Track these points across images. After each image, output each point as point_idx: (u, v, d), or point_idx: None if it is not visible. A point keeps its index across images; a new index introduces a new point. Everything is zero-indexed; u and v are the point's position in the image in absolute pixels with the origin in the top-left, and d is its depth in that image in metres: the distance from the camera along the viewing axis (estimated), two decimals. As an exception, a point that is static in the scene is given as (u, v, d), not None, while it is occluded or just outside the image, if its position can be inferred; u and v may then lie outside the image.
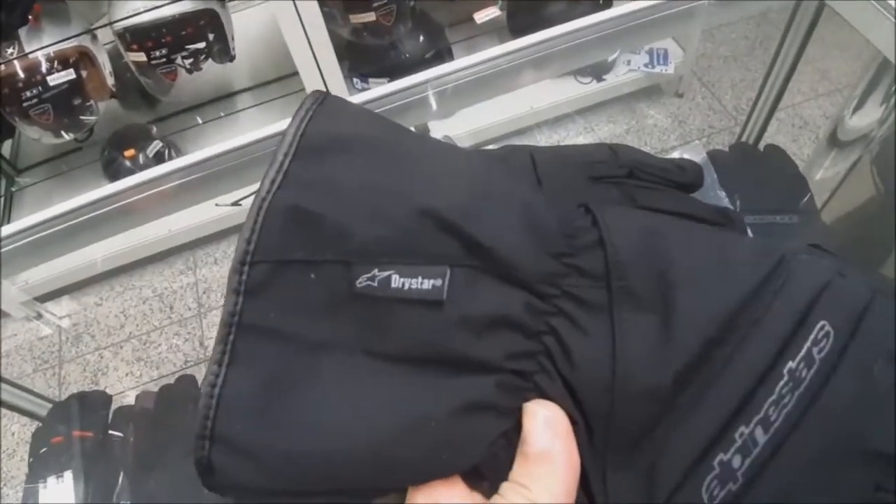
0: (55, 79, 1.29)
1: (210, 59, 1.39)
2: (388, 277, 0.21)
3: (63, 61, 1.29)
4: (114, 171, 1.50)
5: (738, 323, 0.22)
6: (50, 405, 0.80)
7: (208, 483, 0.21)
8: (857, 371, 0.22)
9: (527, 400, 0.23)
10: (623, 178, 0.38)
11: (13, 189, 1.61)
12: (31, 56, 1.27)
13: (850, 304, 0.23)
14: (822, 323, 0.22)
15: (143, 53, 1.32)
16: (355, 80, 1.55)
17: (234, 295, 0.21)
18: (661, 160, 0.39)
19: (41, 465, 0.68)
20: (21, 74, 1.26)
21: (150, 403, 0.73)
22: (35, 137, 1.38)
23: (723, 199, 0.71)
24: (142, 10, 1.26)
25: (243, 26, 1.47)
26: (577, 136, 1.64)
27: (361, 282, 0.21)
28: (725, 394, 0.22)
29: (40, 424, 0.76)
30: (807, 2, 0.75)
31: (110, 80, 1.39)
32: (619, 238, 0.23)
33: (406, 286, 0.21)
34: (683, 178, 0.38)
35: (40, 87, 1.28)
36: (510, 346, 0.22)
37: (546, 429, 0.22)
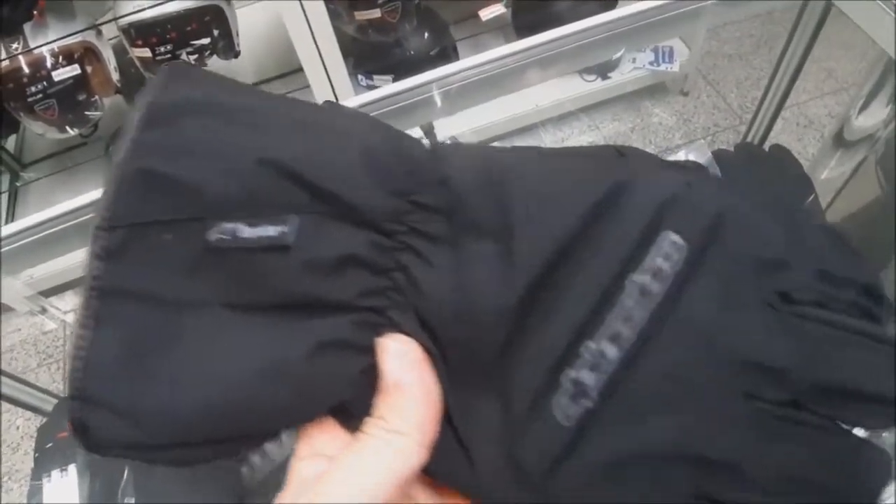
0: (60, 74, 1.29)
1: (214, 56, 1.39)
2: (237, 229, 0.22)
3: (68, 57, 1.29)
4: (118, 166, 1.50)
5: (580, 243, 0.22)
6: (54, 400, 0.81)
7: (85, 443, 0.22)
8: (718, 282, 0.22)
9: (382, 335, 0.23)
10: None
11: (18, 184, 1.61)
12: (35, 51, 1.27)
13: (700, 214, 0.23)
14: (667, 234, 0.22)
15: (147, 49, 1.32)
16: (360, 76, 1.55)
17: (94, 260, 0.22)
18: (666, 162, 0.39)
19: (47, 460, 0.68)
20: (26, 70, 1.26)
21: (154, 400, 0.73)
22: (40, 133, 1.38)
23: (727, 199, 0.71)
24: (146, 5, 1.26)
25: (248, 22, 1.47)
26: (581, 133, 1.63)
27: (213, 236, 0.22)
28: (569, 311, 0.22)
29: (45, 419, 0.76)
30: (814, 1, 0.74)
31: (115, 76, 1.39)
32: (459, 171, 0.23)
33: (255, 236, 0.22)
34: (688, 180, 0.38)
35: (45, 83, 1.28)
36: (361, 285, 0.23)
37: (397, 360, 0.22)
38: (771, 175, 0.82)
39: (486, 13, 1.50)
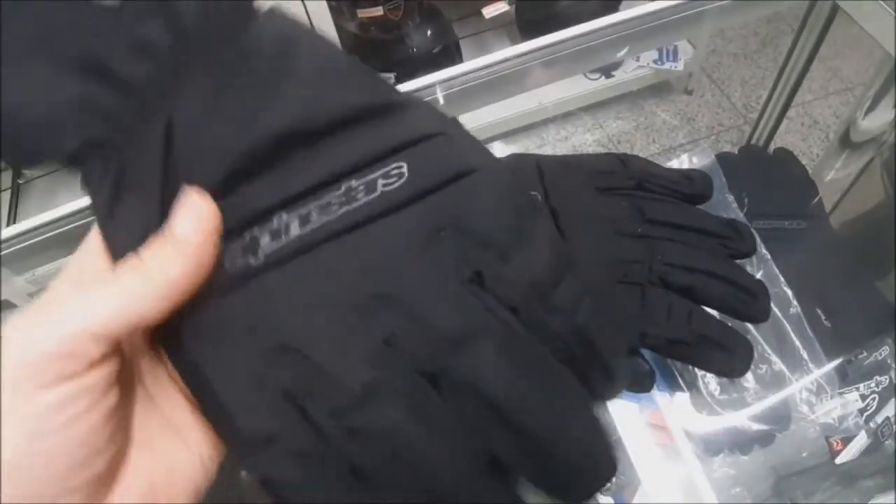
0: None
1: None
2: None
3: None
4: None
5: (330, 132, 0.23)
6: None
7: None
8: (419, 228, 0.22)
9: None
10: (631, 189, 0.38)
11: (20, 181, 1.61)
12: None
13: (443, 162, 0.23)
14: (400, 163, 0.23)
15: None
16: (362, 74, 1.54)
17: None
18: (670, 171, 0.39)
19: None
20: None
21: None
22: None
23: (731, 202, 0.71)
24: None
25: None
26: (585, 132, 1.63)
27: None
28: (284, 180, 0.22)
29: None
30: (821, 2, 0.74)
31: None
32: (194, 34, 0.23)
33: None
34: (692, 189, 0.38)
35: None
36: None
37: (193, 219, 0.22)
38: (775, 178, 0.82)
39: (490, 10, 1.50)
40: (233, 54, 0.23)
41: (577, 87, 1.60)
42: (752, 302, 0.34)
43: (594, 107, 1.66)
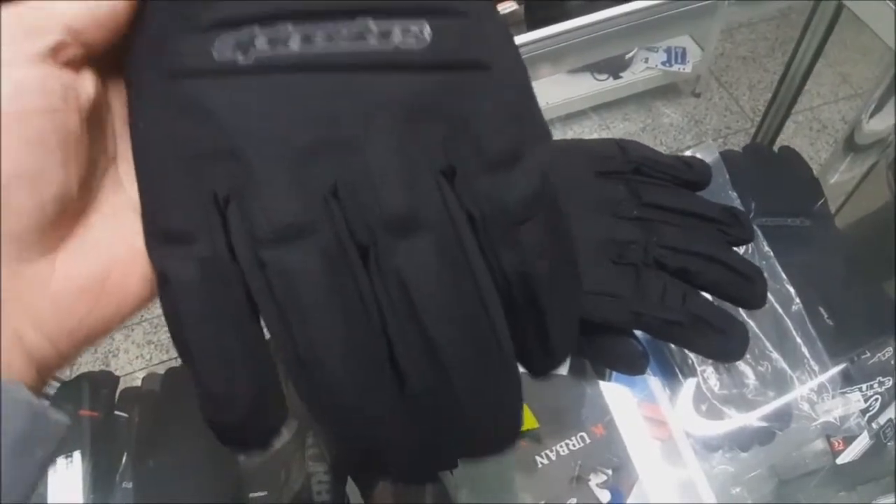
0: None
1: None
2: None
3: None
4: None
5: None
6: (58, 384, 0.81)
7: None
8: (414, 92, 0.21)
9: None
10: (630, 173, 0.38)
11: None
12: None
13: (468, 44, 0.21)
14: (425, 25, 0.21)
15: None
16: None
17: None
18: (668, 157, 0.39)
19: (48, 442, 0.68)
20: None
21: (157, 385, 0.74)
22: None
23: (734, 200, 0.71)
24: None
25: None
26: (591, 132, 1.63)
27: None
28: None
29: (48, 404, 0.76)
30: (826, 1, 0.74)
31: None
32: None
33: None
34: (690, 175, 0.38)
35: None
36: None
37: None
38: (779, 177, 0.82)
39: (500, 9, 1.50)
40: None
41: (584, 86, 1.60)
42: (748, 286, 0.34)
43: (601, 107, 1.66)
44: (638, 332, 0.34)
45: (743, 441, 0.63)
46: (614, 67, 1.61)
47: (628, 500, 0.58)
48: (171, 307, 0.20)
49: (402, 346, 0.20)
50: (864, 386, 0.68)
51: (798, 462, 0.66)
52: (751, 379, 0.64)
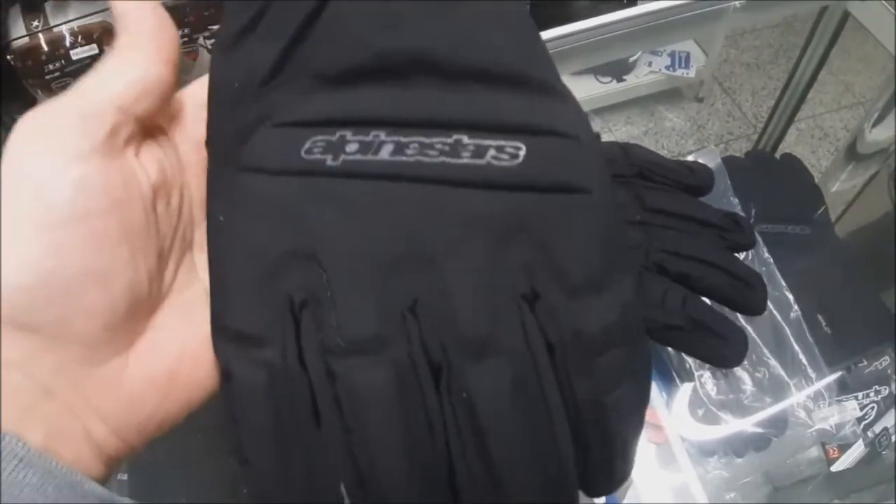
0: (78, 53, 1.30)
1: (231, 41, 1.39)
2: None
3: (87, 36, 1.30)
4: (131, 147, 1.51)
5: (461, 78, 0.21)
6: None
7: None
8: (504, 212, 0.20)
9: None
10: (632, 177, 0.38)
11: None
12: (55, 30, 1.27)
13: (562, 167, 0.21)
14: (519, 145, 0.21)
15: (165, 32, 1.32)
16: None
17: None
18: (671, 161, 0.39)
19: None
20: (45, 48, 1.27)
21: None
22: (55, 110, 1.39)
23: (735, 205, 0.71)
24: (166, -12, 1.27)
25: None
26: (593, 136, 1.63)
27: None
28: (396, 104, 0.21)
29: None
30: (833, 2, 0.74)
31: (132, 57, 1.39)
32: None
33: None
34: (693, 180, 0.38)
35: (63, 61, 1.29)
36: None
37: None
38: (781, 183, 0.82)
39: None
40: None
41: (587, 89, 1.60)
42: (748, 292, 0.34)
43: (604, 110, 1.66)
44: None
45: (738, 447, 0.63)
46: (618, 70, 1.61)
47: (623, 503, 0.59)
48: (233, 408, 0.20)
49: (463, 466, 0.19)
50: (860, 394, 0.68)
51: (793, 469, 0.66)
52: (748, 385, 0.64)
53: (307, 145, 0.20)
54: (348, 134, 0.20)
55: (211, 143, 0.22)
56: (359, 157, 0.20)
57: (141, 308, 0.21)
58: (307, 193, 0.20)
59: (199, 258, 0.23)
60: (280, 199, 0.20)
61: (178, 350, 0.21)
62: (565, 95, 0.22)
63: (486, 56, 0.21)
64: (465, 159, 0.20)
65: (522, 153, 0.20)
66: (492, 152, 0.20)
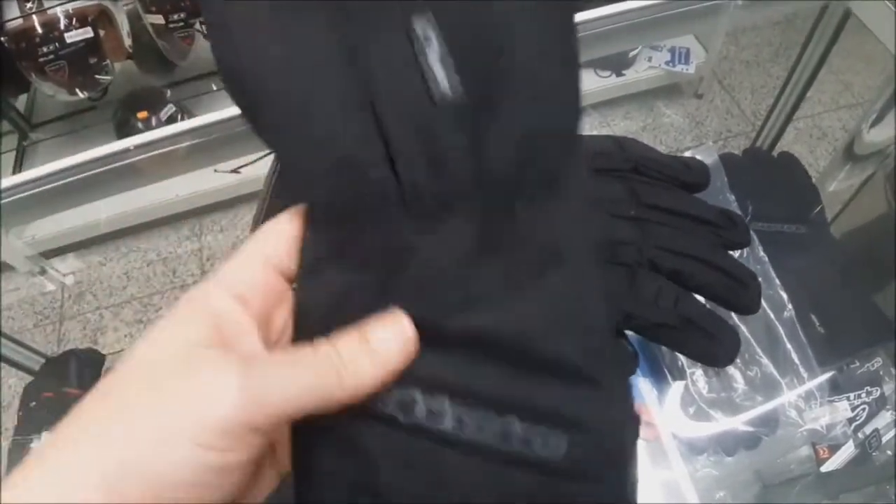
0: (73, 36, 1.29)
1: (228, 27, 1.37)
2: None
3: (81, 19, 1.29)
4: (126, 132, 1.50)
5: (523, 364, 0.23)
6: (42, 360, 0.81)
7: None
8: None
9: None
10: (627, 172, 0.38)
11: (25, 143, 1.61)
12: (49, 12, 1.26)
13: (600, 459, 0.23)
14: (563, 438, 0.23)
15: (161, 16, 1.31)
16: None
17: None
18: (667, 157, 0.39)
19: (30, 418, 0.68)
20: (39, 30, 1.26)
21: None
22: (49, 94, 1.38)
23: (732, 203, 0.70)
24: (163, -28, 1.26)
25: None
26: (592, 129, 1.62)
27: None
28: (465, 374, 0.23)
29: (32, 379, 0.76)
30: (834, 2, 0.73)
31: (127, 41, 1.38)
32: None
33: None
34: (688, 176, 0.38)
35: (57, 44, 1.28)
36: None
37: (396, 339, 0.22)
38: (777, 182, 0.81)
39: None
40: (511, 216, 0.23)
41: (586, 83, 1.57)
42: (741, 291, 0.34)
43: (603, 104, 1.65)
44: (628, 333, 0.34)
45: (728, 445, 0.63)
46: (617, 65, 1.60)
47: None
48: None
49: None
50: (851, 395, 0.68)
51: (782, 468, 0.66)
52: (740, 383, 0.64)
53: (382, 395, 0.22)
54: (418, 395, 0.22)
55: None
56: (425, 421, 0.22)
57: None
58: (380, 442, 0.23)
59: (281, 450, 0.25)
60: (355, 438, 0.23)
61: None
62: (610, 386, 0.24)
63: (555, 345, 0.23)
64: (515, 445, 0.22)
65: (564, 448, 0.23)
66: (538, 442, 0.22)
